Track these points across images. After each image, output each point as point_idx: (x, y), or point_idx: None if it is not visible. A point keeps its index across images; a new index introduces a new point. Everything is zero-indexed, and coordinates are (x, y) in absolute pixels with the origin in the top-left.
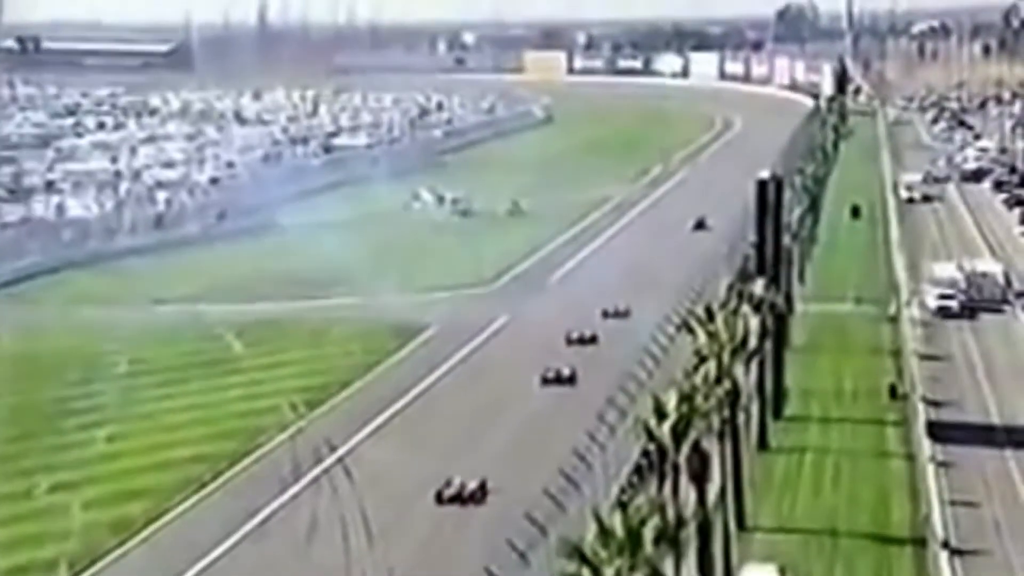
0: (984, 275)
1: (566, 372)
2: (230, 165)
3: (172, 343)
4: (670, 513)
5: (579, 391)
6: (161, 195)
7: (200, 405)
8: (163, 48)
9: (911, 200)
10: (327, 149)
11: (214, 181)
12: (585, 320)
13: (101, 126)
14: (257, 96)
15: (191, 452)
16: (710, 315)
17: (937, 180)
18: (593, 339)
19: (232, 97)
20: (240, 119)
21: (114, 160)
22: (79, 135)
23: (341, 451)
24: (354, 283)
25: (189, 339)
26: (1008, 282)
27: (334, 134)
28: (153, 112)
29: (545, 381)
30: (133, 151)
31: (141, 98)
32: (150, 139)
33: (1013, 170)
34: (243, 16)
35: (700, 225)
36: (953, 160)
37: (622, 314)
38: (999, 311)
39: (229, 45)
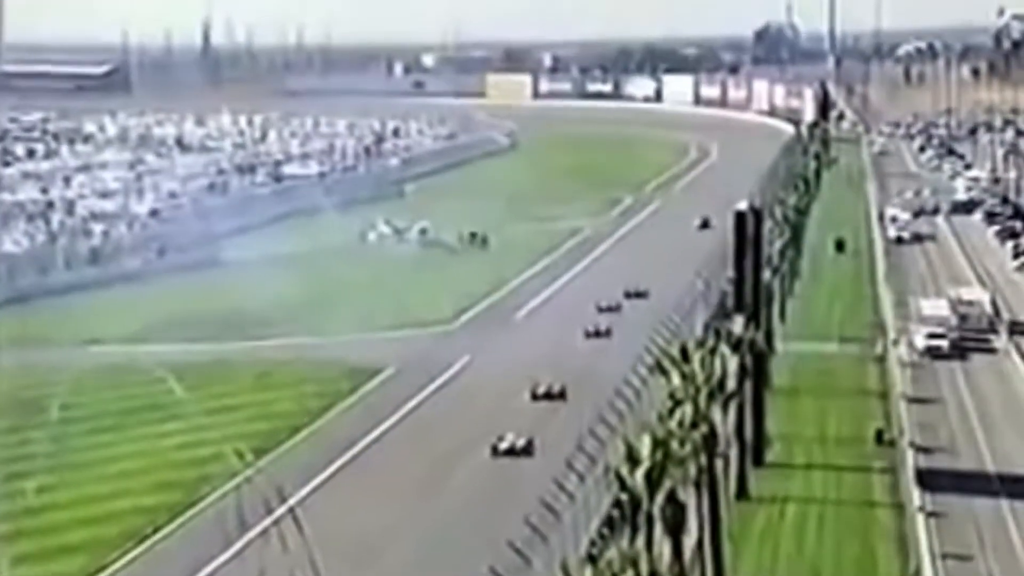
0: (970, 303)
1: (521, 443)
2: (172, 195)
3: (109, 387)
4: (643, 567)
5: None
6: (97, 228)
7: (139, 453)
8: (99, 70)
9: (900, 240)
10: (276, 178)
11: (154, 213)
12: (554, 363)
13: (31, 154)
14: (201, 121)
15: (130, 503)
16: (685, 355)
17: (926, 213)
18: (561, 393)
19: (174, 122)
20: (182, 146)
21: (45, 190)
22: (7, 163)
23: (291, 501)
24: (305, 322)
25: (127, 382)
26: (996, 310)
27: (284, 162)
28: (88, 138)
29: (496, 452)
30: (66, 180)
31: (75, 123)
32: (85, 167)
33: (1006, 201)
34: (185, 36)
35: (705, 224)
36: (921, 194)
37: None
38: (991, 351)
39: (170, 67)
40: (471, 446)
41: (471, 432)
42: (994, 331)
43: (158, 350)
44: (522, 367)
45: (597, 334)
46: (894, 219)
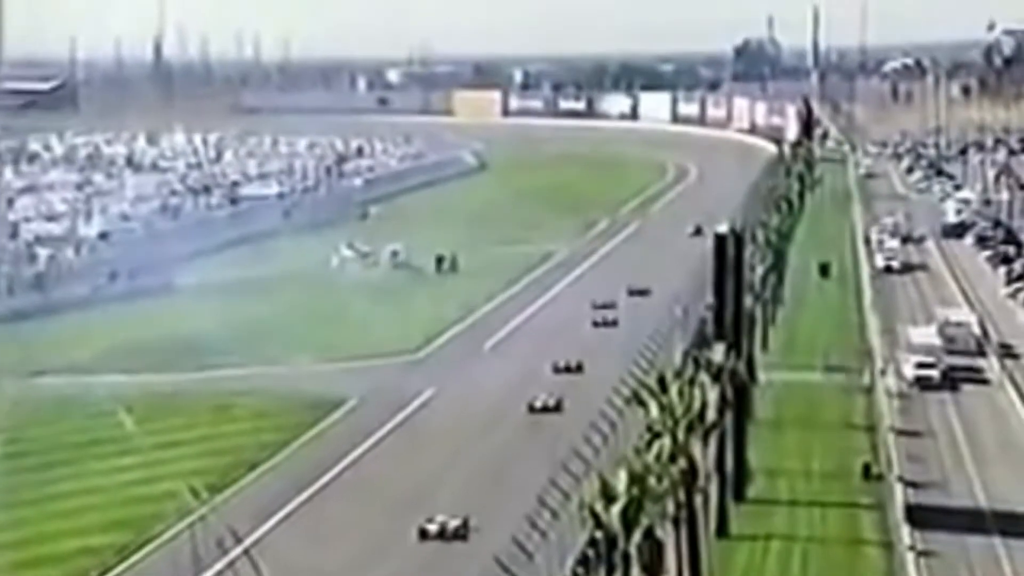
0: (958, 325)
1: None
2: (122, 218)
3: (56, 420)
4: None
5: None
6: (42, 252)
7: (89, 490)
8: (45, 85)
9: (889, 269)
10: (233, 199)
11: (104, 236)
12: (523, 396)
13: None
14: (153, 139)
15: (78, 544)
16: (663, 385)
17: (913, 240)
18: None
19: (124, 140)
20: (133, 165)
21: None
22: None
23: (248, 542)
24: (264, 351)
25: (75, 415)
26: (984, 332)
27: (241, 183)
28: (33, 158)
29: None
30: (10, 202)
31: (19, 142)
32: (30, 188)
33: (998, 224)
34: (136, 49)
35: (698, 231)
36: (902, 218)
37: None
38: (984, 381)
39: (121, 82)
40: (434, 483)
41: (432, 468)
42: (983, 354)
43: (109, 381)
44: (487, 401)
45: (567, 369)
46: (881, 243)
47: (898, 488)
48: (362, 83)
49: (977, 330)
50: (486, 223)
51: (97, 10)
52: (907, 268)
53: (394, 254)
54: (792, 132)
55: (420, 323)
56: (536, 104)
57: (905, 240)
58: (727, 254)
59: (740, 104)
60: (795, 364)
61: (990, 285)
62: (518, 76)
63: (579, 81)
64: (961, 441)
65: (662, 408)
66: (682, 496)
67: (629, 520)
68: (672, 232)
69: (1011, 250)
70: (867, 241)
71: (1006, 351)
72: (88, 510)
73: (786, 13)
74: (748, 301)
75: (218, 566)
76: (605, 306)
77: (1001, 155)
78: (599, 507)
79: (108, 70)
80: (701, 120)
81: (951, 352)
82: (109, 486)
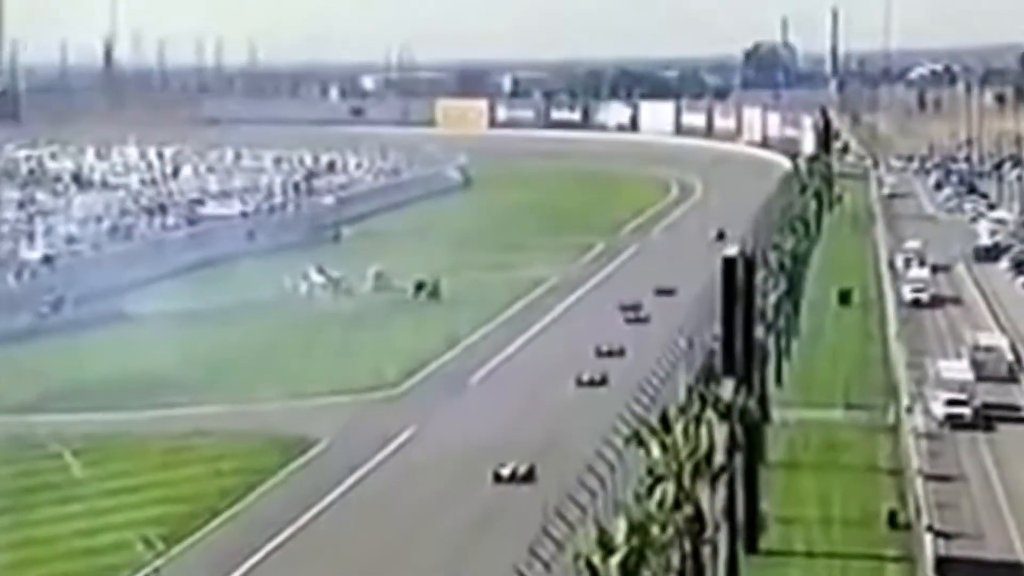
0: (989, 350)
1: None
2: (68, 240)
3: None
4: None
5: None
6: None
7: (30, 541)
8: None
9: (917, 303)
10: (191, 219)
11: (48, 260)
12: (515, 437)
13: None
14: (102, 153)
15: None
16: (666, 424)
17: (944, 266)
18: (528, 474)
19: (71, 154)
20: (81, 182)
21: None
22: None
23: None
24: (225, 387)
25: (17, 458)
26: (1017, 357)
27: (200, 201)
28: None
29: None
30: None
31: None
32: None
33: None
34: (84, 55)
35: (721, 236)
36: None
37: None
38: (1023, 420)
39: (66, 91)
40: (414, 537)
41: (411, 522)
42: (1015, 381)
43: (54, 420)
44: (475, 441)
45: (586, 383)
46: (907, 266)
47: (927, 538)
48: (334, 91)
49: (1010, 356)
50: (471, 246)
51: (42, 10)
52: (936, 298)
53: (378, 276)
54: (808, 145)
55: (397, 355)
56: (526, 114)
57: (934, 268)
58: (736, 279)
59: (750, 114)
60: (812, 401)
61: None
62: (506, 84)
63: (573, 89)
64: (997, 486)
65: (665, 449)
66: (688, 547)
67: (629, 574)
68: (676, 255)
69: None
70: (891, 265)
71: None
72: (28, 564)
73: (802, 14)
74: (760, 332)
75: None
76: (633, 307)
77: None
78: (596, 559)
79: (53, 76)
80: (708, 132)
81: (981, 379)
82: (54, 536)
